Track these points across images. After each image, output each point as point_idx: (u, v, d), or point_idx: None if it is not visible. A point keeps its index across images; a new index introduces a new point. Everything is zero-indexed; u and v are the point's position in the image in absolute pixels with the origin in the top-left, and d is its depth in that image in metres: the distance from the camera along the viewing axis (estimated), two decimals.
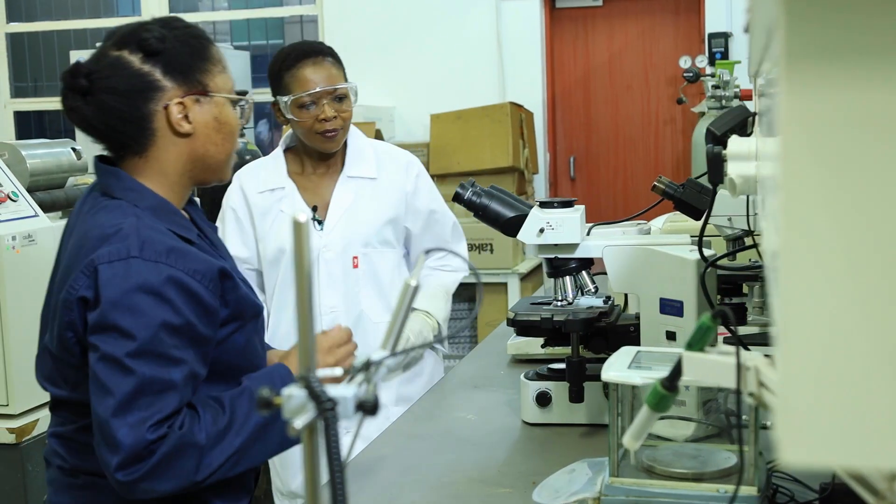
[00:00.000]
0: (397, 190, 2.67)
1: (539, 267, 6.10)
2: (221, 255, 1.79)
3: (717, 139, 1.69)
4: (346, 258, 2.60)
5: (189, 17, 7.82)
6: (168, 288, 1.58)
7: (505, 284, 5.73)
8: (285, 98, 2.50)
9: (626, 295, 2.35)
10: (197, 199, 1.87)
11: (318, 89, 2.50)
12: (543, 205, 2.06)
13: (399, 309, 0.88)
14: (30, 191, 3.24)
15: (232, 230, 2.64)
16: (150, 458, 1.55)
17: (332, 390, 0.75)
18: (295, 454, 2.43)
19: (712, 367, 0.99)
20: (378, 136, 5.99)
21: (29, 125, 7.70)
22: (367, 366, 0.82)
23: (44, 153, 3.51)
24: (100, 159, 1.72)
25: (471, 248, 5.65)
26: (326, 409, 0.73)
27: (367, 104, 6.41)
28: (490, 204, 2.08)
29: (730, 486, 1.48)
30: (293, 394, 0.77)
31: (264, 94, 7.54)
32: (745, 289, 2.67)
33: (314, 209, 2.61)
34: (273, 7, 7.32)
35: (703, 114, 5.65)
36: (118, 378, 1.55)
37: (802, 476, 1.66)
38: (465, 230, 5.59)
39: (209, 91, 1.69)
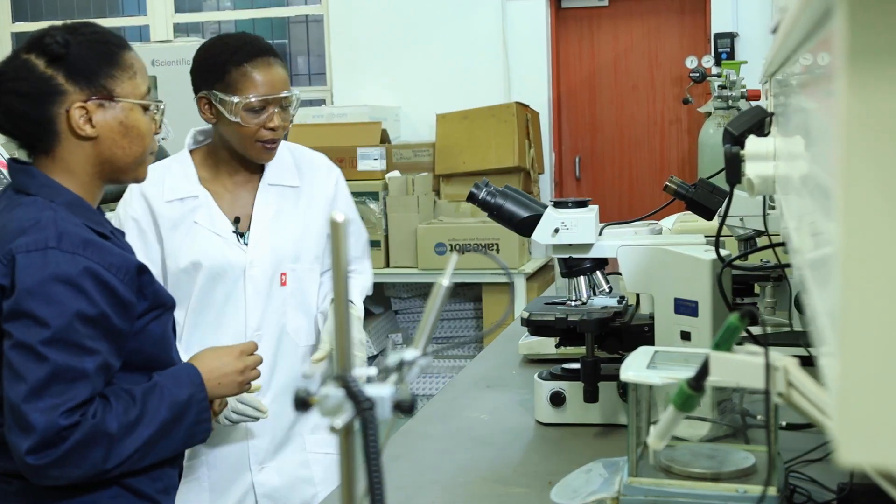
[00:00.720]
0: (322, 198, 2.44)
1: (544, 267, 6.10)
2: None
3: (735, 139, 1.69)
4: (274, 275, 2.34)
5: (194, 17, 7.81)
6: (84, 279, 1.63)
7: (511, 284, 5.72)
8: (233, 98, 2.22)
9: (637, 295, 2.35)
10: None
11: (273, 95, 2.25)
12: (558, 205, 2.06)
13: (430, 308, 0.88)
14: None
15: (134, 242, 2.19)
16: (62, 445, 1.60)
17: (370, 390, 0.75)
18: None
19: (740, 367, 0.99)
20: (384, 136, 6.00)
21: None
22: (401, 365, 0.82)
23: None
24: (14, 161, 1.78)
25: (476, 248, 5.65)
26: (365, 409, 0.73)
27: (372, 104, 6.43)
28: (504, 204, 2.07)
29: (749, 485, 1.49)
30: (329, 393, 0.77)
31: None
32: (757, 289, 2.68)
33: (236, 221, 2.35)
34: (278, 7, 7.33)
35: (709, 114, 5.66)
36: (31, 364, 1.60)
37: (819, 476, 1.66)
38: (471, 230, 5.65)
39: (115, 96, 1.72)
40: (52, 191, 1.71)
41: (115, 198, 3.71)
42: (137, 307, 1.72)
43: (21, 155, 1.83)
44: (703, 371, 1.05)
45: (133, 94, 1.75)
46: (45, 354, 1.60)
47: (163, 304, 1.78)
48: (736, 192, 2.40)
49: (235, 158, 2.35)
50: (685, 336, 1.99)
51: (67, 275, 1.62)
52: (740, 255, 2.05)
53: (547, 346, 2.53)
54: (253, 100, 2.22)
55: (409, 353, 0.85)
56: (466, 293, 6.00)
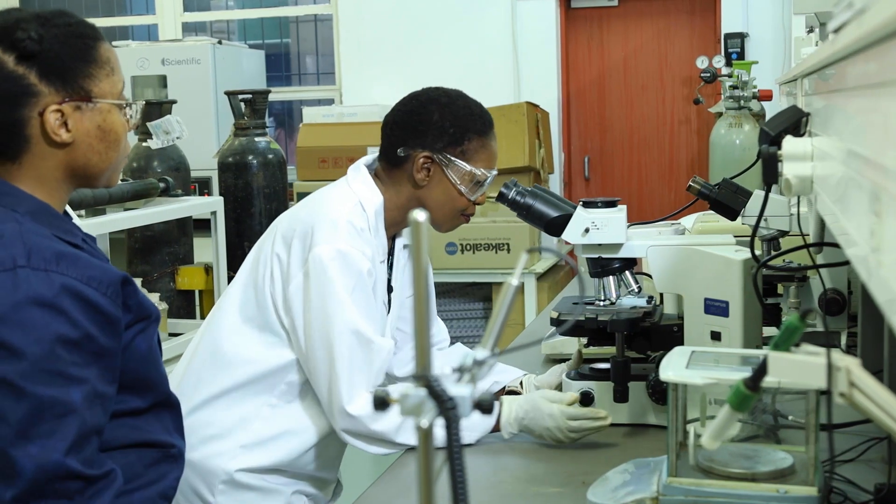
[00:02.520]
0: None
1: (554, 267, 6.10)
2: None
3: (772, 140, 1.69)
4: None
5: (203, 17, 7.82)
6: (62, 298, 1.43)
7: (521, 284, 5.72)
8: (467, 167, 2.05)
9: (661, 294, 2.35)
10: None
11: (496, 171, 2.12)
12: (587, 204, 2.06)
13: (499, 308, 0.88)
14: None
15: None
16: (52, 498, 1.40)
17: (452, 390, 0.75)
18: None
19: (800, 368, 0.99)
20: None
21: None
22: (474, 365, 0.82)
23: None
24: None
25: (487, 247, 5.66)
26: (449, 409, 0.73)
27: (382, 104, 6.42)
28: (534, 204, 2.08)
29: (789, 486, 1.49)
30: (409, 393, 0.77)
31: (280, 94, 7.50)
32: (780, 289, 2.68)
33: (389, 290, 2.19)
34: (287, 6, 7.33)
35: (720, 114, 5.66)
36: (10, 402, 1.39)
37: (853, 477, 1.66)
38: (482, 230, 5.65)
39: (92, 97, 1.53)
40: (14, 199, 1.51)
41: (129, 198, 3.72)
42: (123, 321, 1.52)
43: None
44: (761, 371, 1.05)
45: (111, 93, 1.56)
46: (25, 389, 1.39)
47: (147, 316, 1.58)
48: (758, 192, 2.41)
49: (398, 221, 2.14)
50: (715, 336, 1.99)
51: (41, 296, 1.41)
52: (776, 255, 2.05)
53: (570, 346, 2.53)
54: (488, 173, 2.08)
55: (480, 353, 0.85)
56: (476, 293, 6.00)
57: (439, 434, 1.95)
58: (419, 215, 0.75)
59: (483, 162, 2.07)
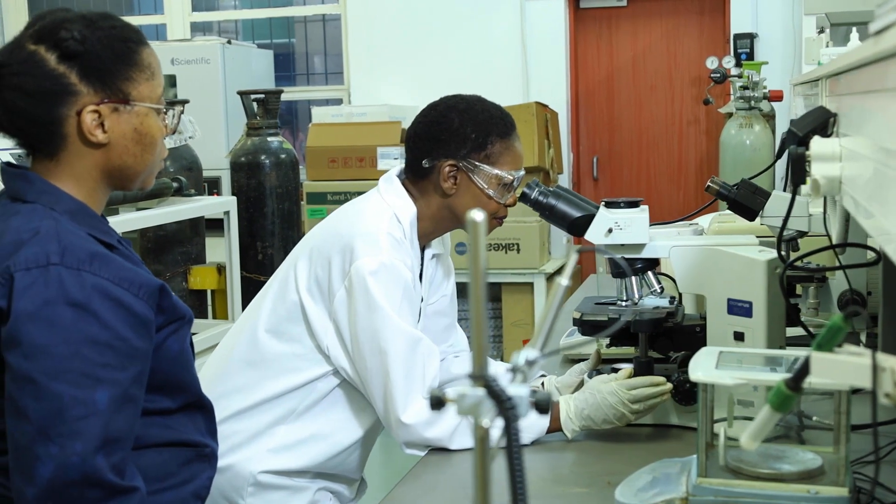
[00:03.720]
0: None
1: (563, 267, 6.09)
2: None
3: (800, 140, 1.69)
4: None
5: (211, 16, 7.82)
6: (92, 298, 1.43)
7: (531, 284, 5.73)
8: (493, 170, 2.06)
9: (679, 294, 2.35)
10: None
11: (523, 172, 2.12)
12: (609, 205, 2.06)
13: (549, 307, 0.88)
14: None
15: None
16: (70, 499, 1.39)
17: (510, 389, 0.75)
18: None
19: (844, 368, 0.99)
20: (404, 135, 5.99)
21: None
22: (528, 364, 0.82)
23: None
24: (8, 165, 1.60)
25: (497, 247, 5.67)
26: (508, 409, 0.73)
27: (391, 103, 6.43)
28: (557, 204, 2.08)
29: (819, 486, 1.49)
30: (466, 393, 0.77)
31: (290, 94, 7.50)
32: (799, 290, 2.68)
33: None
34: (296, 6, 7.33)
35: (730, 115, 5.66)
36: (32, 400, 1.39)
37: (883, 479, 1.66)
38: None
39: (130, 100, 1.54)
40: (53, 197, 1.52)
41: (148, 196, 3.72)
42: (155, 324, 1.52)
43: (23, 160, 1.66)
44: (803, 371, 1.05)
45: (150, 97, 1.57)
46: (48, 387, 1.39)
47: (181, 317, 1.59)
48: (777, 193, 2.41)
49: (429, 232, 2.14)
50: (738, 336, 1.99)
51: (72, 295, 1.42)
52: (802, 254, 2.05)
53: (588, 346, 2.53)
54: (514, 175, 2.08)
55: (530, 353, 0.85)
56: None
57: (460, 443, 1.94)
58: (477, 215, 0.75)
59: (508, 164, 2.07)
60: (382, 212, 2.03)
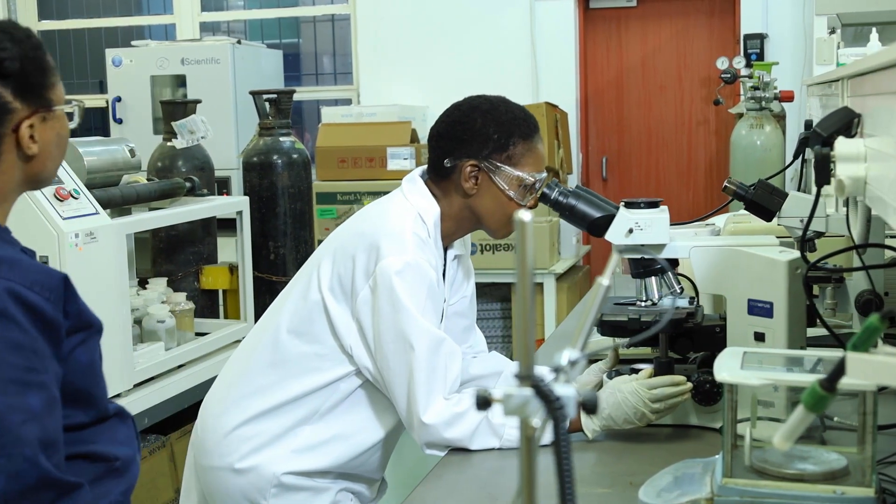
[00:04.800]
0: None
1: (573, 267, 6.10)
2: None
3: (824, 141, 1.69)
4: None
5: (221, 16, 7.82)
6: (7, 303, 1.37)
7: (541, 285, 5.73)
8: (515, 172, 2.05)
9: (696, 295, 2.35)
10: None
11: (545, 174, 2.10)
12: (629, 205, 2.06)
13: (589, 308, 0.88)
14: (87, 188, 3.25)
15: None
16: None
17: (558, 389, 0.75)
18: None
19: (881, 368, 0.99)
20: (414, 135, 6.00)
21: None
22: (571, 365, 0.82)
23: (100, 150, 3.53)
24: None
25: (507, 248, 5.66)
26: (557, 409, 0.73)
27: (401, 103, 6.43)
28: (577, 204, 2.08)
29: (846, 487, 1.49)
30: (513, 393, 0.77)
31: (299, 94, 7.47)
32: (816, 290, 2.68)
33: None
34: (305, 6, 7.34)
35: (740, 115, 5.65)
36: None
37: None
38: None
39: (53, 105, 1.52)
40: None
41: (160, 196, 3.73)
42: (63, 328, 1.45)
43: None
44: (838, 372, 1.05)
45: (62, 98, 1.54)
46: None
47: (88, 326, 1.50)
48: (795, 193, 2.40)
49: (452, 232, 2.13)
50: (759, 337, 1.98)
51: None
52: (826, 255, 2.04)
53: (603, 346, 2.52)
54: (535, 177, 2.06)
55: (572, 353, 0.85)
56: (494, 293, 6.00)
57: (481, 443, 1.92)
58: (525, 215, 0.75)
59: (530, 165, 2.07)
60: (407, 212, 2.03)
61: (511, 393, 0.76)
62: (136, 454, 1.62)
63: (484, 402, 0.77)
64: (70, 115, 1.59)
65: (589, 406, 0.76)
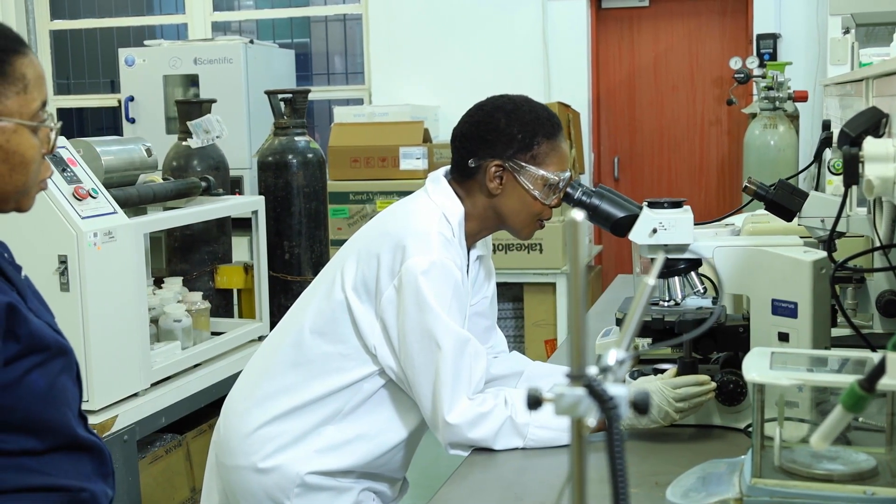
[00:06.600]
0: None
1: (586, 267, 6.08)
2: (21, 293, 1.47)
3: (853, 141, 1.69)
4: None
5: (233, 16, 7.83)
6: None
7: (553, 284, 5.73)
8: (539, 171, 2.05)
9: (718, 295, 2.35)
10: None
11: (568, 173, 2.10)
12: (653, 205, 2.06)
13: (634, 307, 0.88)
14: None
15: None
16: None
17: (610, 389, 0.75)
18: None
19: None
20: (426, 135, 6.00)
21: (70, 122, 7.74)
22: (618, 364, 0.82)
23: (117, 150, 3.53)
24: None
25: (519, 247, 5.66)
26: (610, 408, 0.73)
27: (413, 103, 6.43)
28: (601, 204, 2.07)
29: (876, 487, 1.48)
30: (564, 392, 0.77)
31: (311, 93, 7.52)
32: (837, 290, 2.67)
33: None
34: (317, 6, 7.34)
35: (754, 115, 5.64)
36: None
37: None
38: None
39: None
40: None
41: (176, 196, 3.73)
42: (4, 351, 1.37)
43: None
44: (878, 372, 1.05)
45: (21, 111, 1.41)
46: None
47: (46, 348, 1.42)
48: (815, 194, 2.40)
49: (475, 232, 2.14)
50: (783, 337, 1.98)
51: None
52: (854, 255, 2.04)
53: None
54: (560, 176, 2.06)
55: (619, 353, 0.85)
56: (506, 293, 6.00)
57: (504, 443, 1.91)
58: (577, 214, 0.75)
59: (554, 165, 2.07)
60: (432, 211, 2.03)
61: (563, 392, 0.76)
62: (107, 490, 1.55)
63: (535, 402, 0.77)
64: (37, 133, 1.44)
65: (641, 405, 0.76)
